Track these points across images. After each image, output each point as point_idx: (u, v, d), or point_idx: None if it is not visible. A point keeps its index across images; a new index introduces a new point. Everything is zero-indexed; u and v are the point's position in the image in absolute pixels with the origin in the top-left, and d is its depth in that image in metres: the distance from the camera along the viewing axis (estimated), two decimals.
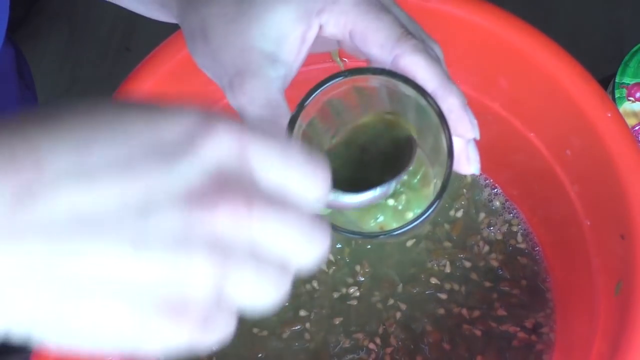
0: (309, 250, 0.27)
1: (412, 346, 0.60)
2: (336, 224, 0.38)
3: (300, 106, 0.38)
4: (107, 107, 0.25)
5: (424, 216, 0.37)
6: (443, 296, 0.62)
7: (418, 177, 0.42)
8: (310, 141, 0.39)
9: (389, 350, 0.60)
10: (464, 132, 0.39)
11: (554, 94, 0.55)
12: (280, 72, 0.40)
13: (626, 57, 0.70)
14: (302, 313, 0.62)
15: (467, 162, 0.40)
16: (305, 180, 0.27)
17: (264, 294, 0.26)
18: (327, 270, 0.63)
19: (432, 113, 0.37)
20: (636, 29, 1.29)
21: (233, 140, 0.25)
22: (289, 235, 0.26)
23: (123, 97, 0.37)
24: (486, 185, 0.67)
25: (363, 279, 0.62)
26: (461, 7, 0.56)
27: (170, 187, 0.24)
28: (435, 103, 0.37)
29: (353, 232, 0.38)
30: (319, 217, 0.27)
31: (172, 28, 0.56)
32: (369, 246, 0.64)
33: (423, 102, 0.38)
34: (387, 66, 0.39)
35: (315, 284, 0.63)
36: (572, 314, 0.59)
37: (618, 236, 0.52)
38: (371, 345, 0.60)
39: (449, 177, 0.37)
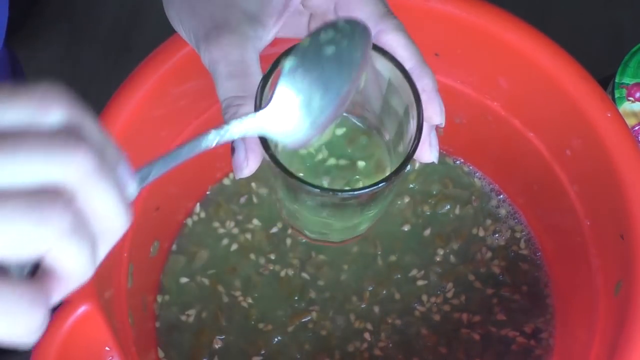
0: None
1: (404, 349, 0.60)
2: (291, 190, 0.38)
3: (274, 67, 0.37)
4: None
5: (376, 187, 0.36)
6: (446, 307, 0.62)
7: (372, 162, 0.42)
8: None
9: (381, 345, 0.61)
10: (433, 113, 0.40)
11: (554, 94, 0.55)
12: (258, 34, 0.40)
13: (626, 57, 0.69)
14: (311, 308, 0.62)
15: (429, 149, 0.40)
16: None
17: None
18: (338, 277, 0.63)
19: (405, 91, 0.38)
20: (636, 29, 1.29)
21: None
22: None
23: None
24: (491, 190, 0.66)
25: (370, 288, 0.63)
26: (461, 7, 0.56)
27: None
28: (412, 80, 0.37)
29: (302, 181, 0.36)
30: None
31: (173, 28, 0.56)
32: (380, 262, 0.64)
33: (398, 79, 0.38)
34: None
35: (321, 282, 0.63)
36: (571, 318, 0.59)
37: (618, 236, 0.52)
38: (364, 345, 0.61)
39: (414, 151, 0.37)
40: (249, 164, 0.39)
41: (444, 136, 0.67)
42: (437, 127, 0.66)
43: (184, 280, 0.63)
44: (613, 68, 0.70)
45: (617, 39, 1.28)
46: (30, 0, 1.42)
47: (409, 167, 0.66)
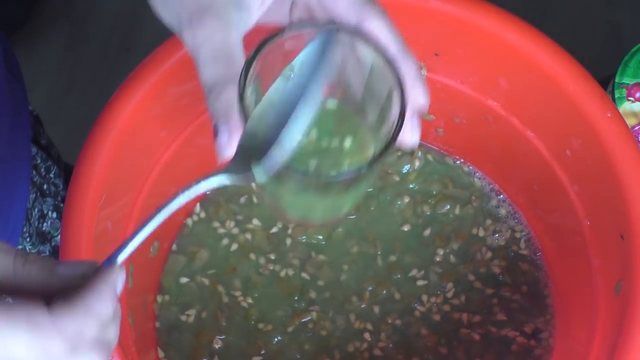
0: None
1: (404, 349, 0.60)
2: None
3: (257, 50, 0.37)
4: None
5: (360, 170, 0.37)
6: (446, 308, 0.62)
7: (357, 142, 0.42)
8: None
9: (381, 345, 0.61)
10: (417, 96, 0.40)
11: (553, 94, 0.55)
12: (242, 18, 0.40)
13: (626, 57, 0.70)
14: (312, 308, 0.62)
15: (411, 132, 0.40)
16: None
17: None
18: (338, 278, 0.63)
19: (388, 76, 0.38)
20: (636, 29, 1.30)
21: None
22: None
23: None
24: (491, 190, 0.66)
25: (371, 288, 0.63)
26: (461, 7, 0.56)
27: None
28: (394, 65, 0.38)
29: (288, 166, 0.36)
30: None
31: None
32: (380, 262, 0.64)
33: (380, 64, 0.38)
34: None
35: (321, 282, 0.63)
36: (571, 319, 0.59)
37: (618, 236, 0.52)
38: (364, 345, 0.61)
39: (397, 135, 0.37)
40: (231, 145, 0.39)
41: (444, 136, 0.67)
42: (436, 129, 0.66)
43: (184, 280, 0.63)
44: (613, 68, 0.70)
45: (617, 39, 1.28)
46: (31, 0, 1.42)
47: (408, 166, 0.66)
